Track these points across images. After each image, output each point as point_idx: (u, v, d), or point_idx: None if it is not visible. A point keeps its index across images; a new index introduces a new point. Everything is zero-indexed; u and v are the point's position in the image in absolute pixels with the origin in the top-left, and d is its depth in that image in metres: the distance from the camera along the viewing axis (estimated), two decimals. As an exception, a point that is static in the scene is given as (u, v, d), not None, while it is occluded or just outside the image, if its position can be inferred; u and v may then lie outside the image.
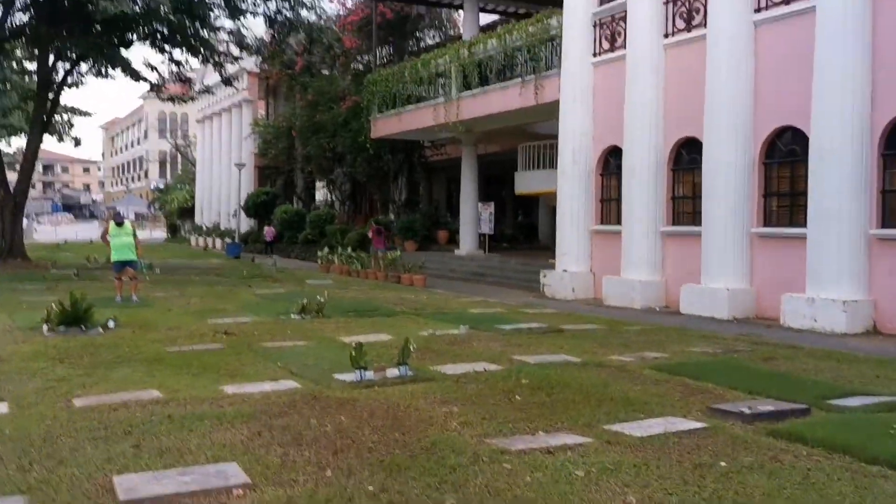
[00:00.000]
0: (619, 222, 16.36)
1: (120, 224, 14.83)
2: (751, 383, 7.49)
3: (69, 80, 26.58)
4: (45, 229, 69.53)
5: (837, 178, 11.93)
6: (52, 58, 25.17)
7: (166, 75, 27.85)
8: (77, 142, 47.48)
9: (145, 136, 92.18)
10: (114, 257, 14.78)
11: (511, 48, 19.92)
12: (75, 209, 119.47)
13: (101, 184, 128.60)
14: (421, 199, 39.51)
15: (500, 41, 20.34)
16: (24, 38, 25.07)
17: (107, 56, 23.67)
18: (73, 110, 45.20)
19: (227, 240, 36.63)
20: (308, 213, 34.18)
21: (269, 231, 35.08)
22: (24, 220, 67.33)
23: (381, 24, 28.48)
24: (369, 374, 7.52)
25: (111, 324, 10.87)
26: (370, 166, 29.99)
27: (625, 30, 16.25)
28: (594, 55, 17.17)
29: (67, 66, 25.99)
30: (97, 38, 24.16)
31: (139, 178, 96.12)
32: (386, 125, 26.09)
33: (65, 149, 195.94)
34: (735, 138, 13.68)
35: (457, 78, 22.22)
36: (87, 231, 62.32)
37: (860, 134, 11.83)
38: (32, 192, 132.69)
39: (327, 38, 26.38)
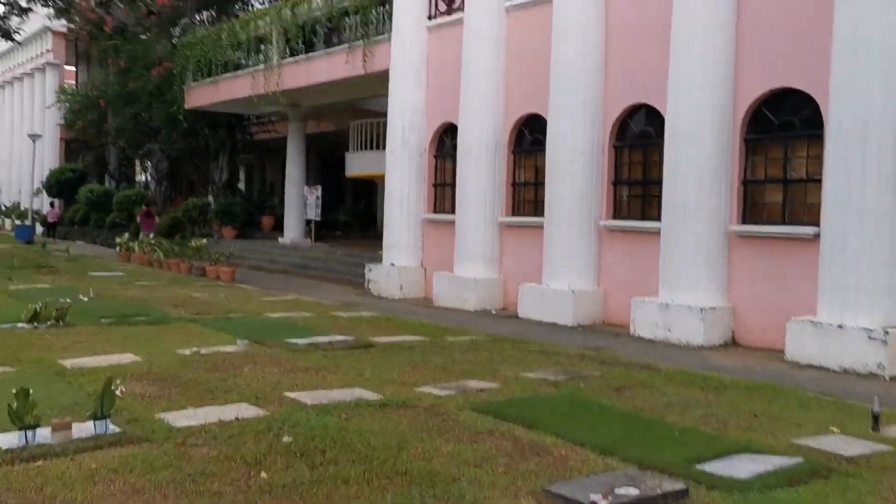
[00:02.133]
0: (454, 211, 14.28)
1: None
2: (602, 434, 5.48)
3: None
4: None
5: (694, 166, 10.29)
6: None
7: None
8: None
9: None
10: None
11: (338, 9, 17.40)
12: None
13: None
14: (250, 182, 36.36)
15: (326, 0, 17.77)
16: None
17: None
18: None
19: (18, 222, 31.97)
20: (117, 193, 30.21)
21: (51, 212, 30.89)
22: None
23: (199, -19, 25.15)
24: (44, 435, 4.91)
25: None
26: (186, 142, 26.59)
27: (463, -10, 14.15)
28: (429, 18, 14.98)
29: None
30: None
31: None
32: (201, 95, 22.91)
33: None
34: (583, 116, 11.84)
35: (278, 42, 19.46)
36: None
37: (720, 115, 10.23)
38: None
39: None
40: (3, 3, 22.88)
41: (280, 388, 6.58)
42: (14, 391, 4.87)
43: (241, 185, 36.85)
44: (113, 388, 5.17)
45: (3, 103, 43.90)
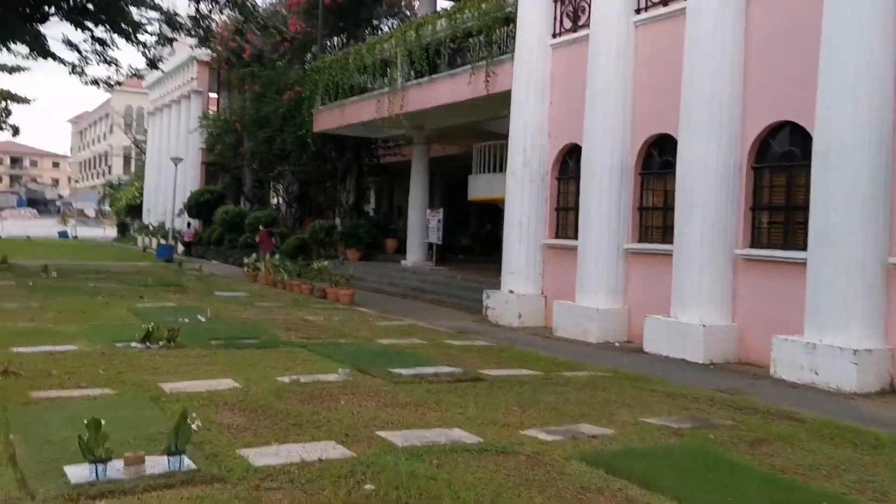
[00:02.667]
0: (576, 236, 13.55)
1: None
2: (733, 500, 4.67)
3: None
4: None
5: (847, 189, 9.17)
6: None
7: (90, 55, 24.88)
8: (15, 131, 44.17)
9: (111, 131, 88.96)
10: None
11: (462, 30, 17.10)
12: (40, 204, 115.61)
13: (70, 179, 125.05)
14: (378, 204, 36.69)
15: (450, 21, 17.52)
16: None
17: (7, 29, 20.54)
18: (10, 96, 42.04)
19: (163, 241, 33.49)
20: (249, 214, 31.16)
21: (188, 232, 32.18)
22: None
23: (330, 7, 25.57)
24: (117, 468, 4.62)
25: None
26: (315, 165, 27.05)
27: (589, 5, 13.49)
28: (553, 36, 14.40)
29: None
30: (2, 7, 21.10)
31: (105, 174, 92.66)
32: (328, 118, 23.19)
33: (34, 141, 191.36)
34: (718, 136, 10.89)
35: (403, 65, 19.37)
36: (39, 228, 58.95)
37: (878, 133, 9.08)
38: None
39: (262, 18, 23.44)
40: (150, 34, 23.99)
41: (373, 424, 6.11)
42: (86, 421, 4.60)
43: (371, 208, 37.39)
44: (189, 421, 4.83)
45: (153, 129, 46.57)
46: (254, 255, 23.09)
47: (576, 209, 13.72)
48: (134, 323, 11.66)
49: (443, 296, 18.40)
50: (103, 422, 4.60)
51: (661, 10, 12.26)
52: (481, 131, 21.02)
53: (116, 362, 8.33)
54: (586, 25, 13.56)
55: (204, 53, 34.72)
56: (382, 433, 5.85)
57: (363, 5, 26.80)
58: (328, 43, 26.63)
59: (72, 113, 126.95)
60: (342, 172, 27.15)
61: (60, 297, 15.06)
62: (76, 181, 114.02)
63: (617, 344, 12.33)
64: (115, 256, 31.81)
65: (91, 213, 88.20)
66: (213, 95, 39.86)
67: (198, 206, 35.60)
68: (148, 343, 9.31)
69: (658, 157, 12.58)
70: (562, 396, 7.64)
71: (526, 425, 6.37)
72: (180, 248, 36.14)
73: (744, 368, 10.38)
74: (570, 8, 14.11)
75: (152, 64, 24.12)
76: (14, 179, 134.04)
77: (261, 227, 26.08)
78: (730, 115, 10.87)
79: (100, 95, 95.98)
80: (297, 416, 6.30)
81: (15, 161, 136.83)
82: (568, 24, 14.13)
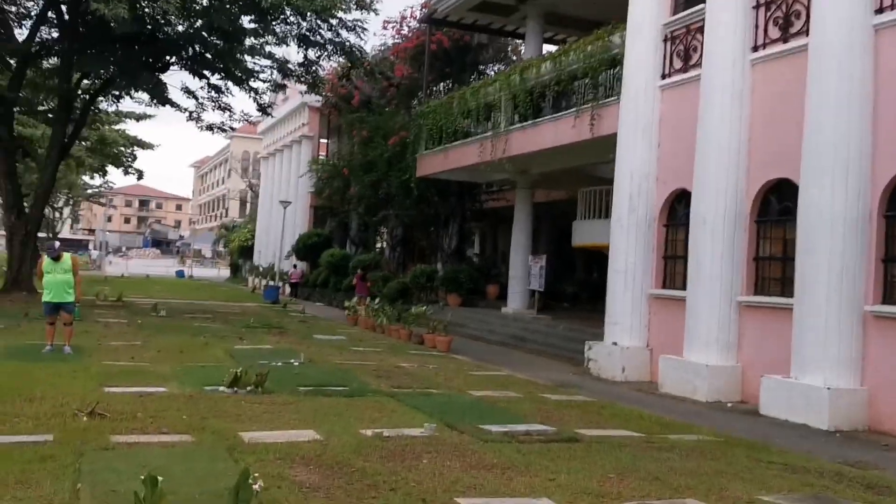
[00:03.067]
0: (684, 287, 12.75)
1: (56, 259, 12.11)
2: None
3: (101, 102, 24.75)
4: (120, 263, 69.49)
5: None
6: (76, 77, 23.40)
7: (206, 102, 25.88)
8: (140, 174, 46.54)
9: (228, 175, 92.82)
10: (45, 297, 12.08)
11: (567, 73, 16.69)
12: (163, 245, 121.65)
13: (190, 221, 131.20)
14: (483, 250, 36.42)
15: (554, 64, 17.15)
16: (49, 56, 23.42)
17: (130, 77, 21.56)
18: (137, 142, 44.37)
19: (271, 282, 34.18)
20: (353, 258, 31.44)
21: (293, 273, 32.72)
22: (94, 252, 66.88)
23: (436, 54, 25.72)
24: (173, 530, 4.31)
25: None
26: (418, 210, 27.03)
27: (702, 44, 12.85)
28: (662, 77, 13.80)
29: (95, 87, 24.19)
30: (126, 58, 22.22)
31: (222, 216, 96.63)
32: (431, 163, 23.13)
33: (160, 185, 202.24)
34: (844, 180, 10.00)
35: (506, 109, 19.10)
36: (159, 267, 61.62)
37: None
38: (126, 226, 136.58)
39: (369, 64, 23.76)
40: (263, 81, 24.73)
41: (454, 489, 5.62)
42: (143, 477, 4.32)
43: (475, 253, 37.15)
44: (251, 481, 4.48)
45: (266, 173, 48.11)
46: (354, 299, 23.12)
47: (684, 258, 12.94)
48: (229, 365, 11.60)
49: (543, 345, 17.78)
50: (161, 479, 4.31)
51: (780, 47, 11.50)
52: (586, 176, 20.45)
53: (202, 407, 8.17)
54: (698, 65, 12.92)
55: (314, 100, 35.68)
56: (462, 500, 5.36)
57: (469, 51, 26.87)
58: (434, 88, 26.74)
59: (195, 158, 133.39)
60: (445, 217, 27.02)
61: (164, 335, 15.31)
62: (196, 223, 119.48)
63: (729, 404, 11.40)
64: (225, 296, 32.63)
65: (208, 253, 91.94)
66: (324, 141, 40.87)
67: (305, 249, 36.27)
68: (236, 388, 9.15)
69: (777, 204, 11.71)
70: (665, 464, 6.94)
71: (624, 497, 5.75)
72: (287, 289, 36.86)
73: (875, 438, 9.32)
74: (681, 47, 13.50)
75: (263, 110, 24.83)
76: (141, 220, 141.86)
77: (358, 271, 26.34)
78: (858, 157, 9.99)
79: (220, 141, 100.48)
80: (374, 475, 5.89)
81: (143, 203, 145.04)
82: (678, 63, 13.52)
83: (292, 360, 12.23)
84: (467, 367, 13.74)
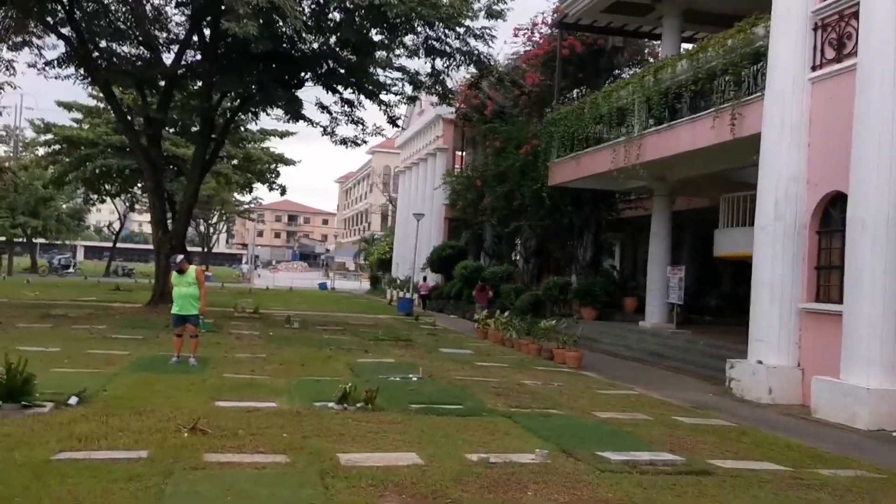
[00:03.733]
0: (840, 300, 11.43)
1: (181, 272, 12.34)
2: None
3: (240, 117, 25.63)
4: (268, 276, 72.51)
5: None
6: (216, 97, 24.31)
7: (340, 116, 26.29)
8: (283, 190, 48.17)
9: (370, 190, 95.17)
10: (172, 309, 12.32)
11: (705, 70, 15.57)
12: (310, 258, 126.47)
13: (335, 235, 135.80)
14: (622, 261, 35.13)
15: (691, 62, 16.05)
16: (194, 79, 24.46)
17: (265, 94, 22.14)
18: (281, 159, 45.98)
19: (406, 294, 34.33)
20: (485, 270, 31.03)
21: (423, 285, 32.67)
22: (244, 266, 70.02)
23: (569, 59, 24.95)
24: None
25: (73, 401, 8.10)
26: (551, 220, 26.28)
27: (857, 30, 11.54)
28: (812, 69, 12.52)
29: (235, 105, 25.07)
30: (263, 76, 22.86)
31: (364, 230, 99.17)
32: (563, 171, 22.38)
33: (308, 200, 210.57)
34: None
35: (640, 112, 18.12)
36: (305, 280, 63.74)
37: None
38: (276, 241, 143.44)
39: (497, 72, 23.29)
40: (394, 93, 24.81)
41: (558, 531, 4.98)
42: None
43: (613, 265, 35.92)
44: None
45: (403, 186, 48.69)
46: (483, 312, 22.64)
47: (840, 269, 11.62)
48: (347, 379, 11.33)
49: (681, 362, 16.64)
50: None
51: (952, 27, 10.10)
52: (729, 181, 19.10)
53: (306, 425, 7.88)
54: (853, 54, 11.60)
55: (449, 112, 35.69)
56: (564, 545, 4.71)
57: (603, 54, 25.93)
58: (567, 95, 25.96)
59: (340, 174, 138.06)
60: (579, 227, 26.12)
61: (291, 348, 15.40)
62: (340, 237, 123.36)
63: (895, 433, 10.05)
64: (361, 308, 33.02)
65: (351, 266, 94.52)
66: (459, 153, 40.83)
67: (440, 261, 36.24)
68: (345, 404, 8.84)
69: (949, 206, 10.27)
70: (814, 507, 5.99)
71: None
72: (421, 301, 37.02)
73: None
74: (834, 36, 12.19)
75: (393, 122, 24.90)
76: (290, 235, 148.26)
77: (479, 283, 26.33)
78: None
79: (363, 157, 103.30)
80: (470, 508, 5.33)
81: (291, 218, 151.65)
82: (830, 53, 12.22)
83: (411, 375, 11.86)
84: (596, 386, 12.92)
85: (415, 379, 11.68)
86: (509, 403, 10.01)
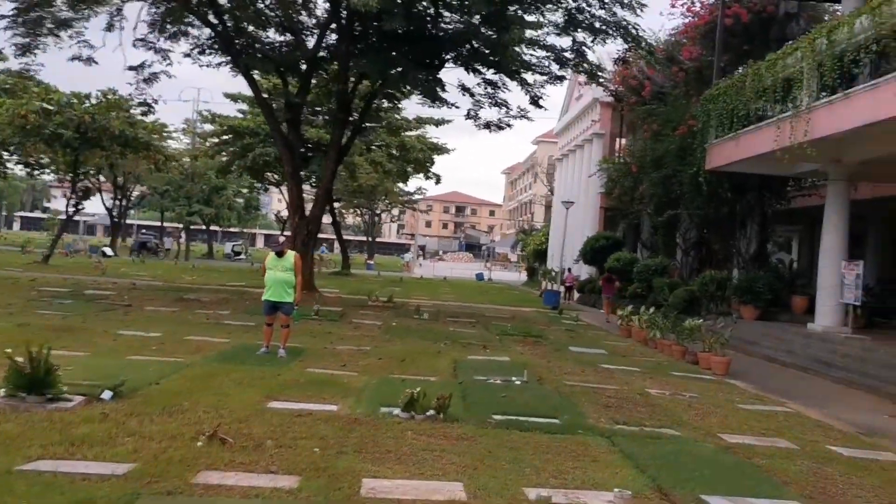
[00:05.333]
0: None
1: (279, 254, 11.53)
2: None
3: (380, 102, 25.03)
4: (429, 265, 72.91)
5: None
6: (353, 80, 23.79)
7: (482, 98, 25.13)
8: (437, 179, 47.71)
9: (535, 180, 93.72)
10: (264, 295, 11.52)
11: (890, 25, 12.99)
12: (476, 248, 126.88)
13: (501, 226, 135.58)
14: (799, 256, 31.73)
15: (873, 17, 13.47)
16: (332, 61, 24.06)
17: (401, 75, 21.27)
18: (435, 147, 45.50)
19: (553, 286, 32.71)
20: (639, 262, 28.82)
21: (568, 276, 30.93)
22: (407, 255, 70.94)
23: (732, 30, 22.37)
24: None
25: (106, 395, 7.36)
26: (711, 208, 23.81)
27: None
28: None
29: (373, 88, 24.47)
30: (401, 57, 22.05)
31: (529, 221, 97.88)
32: (721, 153, 19.98)
33: (478, 192, 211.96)
34: None
35: (809, 81, 15.61)
36: (465, 270, 63.33)
37: None
38: (444, 231, 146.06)
39: (648, 44, 21.14)
40: (540, 73, 23.29)
41: None
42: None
43: (792, 259, 32.56)
44: None
45: (559, 175, 46.88)
46: (629, 308, 20.68)
47: None
48: (443, 379, 10.22)
49: (855, 374, 14.13)
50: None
51: None
52: (922, 162, 16.19)
53: (353, 435, 6.72)
54: None
55: (605, 94, 33.57)
56: None
57: (773, 23, 23.05)
58: (731, 70, 23.37)
59: (507, 164, 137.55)
60: (742, 217, 23.47)
61: (403, 340, 14.43)
62: (505, 228, 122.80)
63: None
64: (508, 300, 31.75)
65: (514, 257, 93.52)
66: (620, 140, 38.54)
67: (593, 252, 34.26)
68: (412, 412, 7.59)
69: None
70: None
71: None
72: (576, 294, 35.25)
73: None
74: None
75: (535, 102, 23.36)
76: (457, 226, 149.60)
77: (605, 272, 24.71)
78: None
79: (529, 147, 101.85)
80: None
81: (459, 209, 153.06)
82: None
83: (514, 378, 10.45)
84: (740, 398, 10.93)
85: (517, 382, 10.26)
86: (617, 419, 8.37)
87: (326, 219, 42.17)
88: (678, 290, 23.80)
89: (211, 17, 22.05)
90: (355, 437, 6.69)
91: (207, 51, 23.50)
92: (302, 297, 12.12)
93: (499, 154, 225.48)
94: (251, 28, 23.16)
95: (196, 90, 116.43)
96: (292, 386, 8.80)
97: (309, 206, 23.98)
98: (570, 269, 34.71)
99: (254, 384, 8.70)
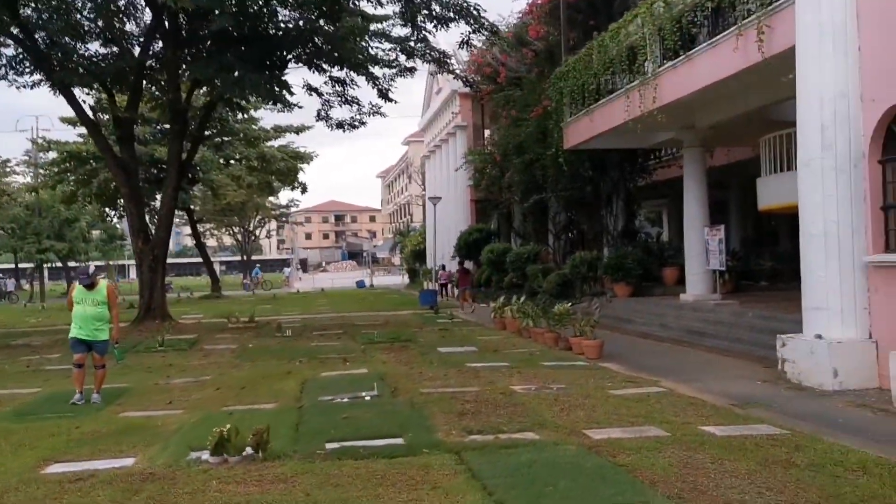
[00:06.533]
0: (920, 248, 8.52)
1: (90, 287, 9.89)
2: None
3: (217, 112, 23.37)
4: (309, 278, 70.86)
5: None
6: (186, 89, 22.08)
7: (332, 98, 23.91)
8: (303, 188, 46.05)
9: (410, 181, 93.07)
10: (71, 332, 9.88)
11: (723, -19, 12.64)
12: (359, 256, 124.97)
13: (382, 230, 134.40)
14: (670, 229, 32.05)
15: (706, -24, 13.12)
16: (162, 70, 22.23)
17: (238, 80, 19.71)
18: (297, 155, 43.86)
19: (428, 285, 31.83)
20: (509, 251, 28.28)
21: (442, 274, 30.26)
22: (286, 269, 68.86)
23: (576, 6, 22.02)
24: None
25: None
26: (575, 188, 23.44)
27: None
28: (855, -52, 9.57)
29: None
30: (236, 60, 20.48)
31: (409, 223, 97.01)
32: (577, 131, 19.53)
33: (356, 199, 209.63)
34: None
35: (652, 47, 15.22)
36: (347, 279, 61.64)
37: None
38: (325, 242, 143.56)
39: (490, 25, 20.50)
40: (385, 65, 22.26)
41: None
42: None
43: (659, 232, 32.86)
44: None
45: (428, 172, 46.20)
46: (500, 300, 19.92)
47: (916, 205, 8.70)
48: (286, 403, 9.01)
49: (727, 340, 13.77)
50: None
51: None
52: (769, 121, 16.09)
53: (137, 500, 5.41)
54: (909, -82, 8.64)
55: (464, 86, 32.93)
56: None
57: (615, -2, 22.85)
58: (581, 47, 23.04)
59: (381, 168, 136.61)
60: (607, 195, 23.20)
61: (255, 363, 13.13)
62: (387, 232, 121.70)
63: None
64: (386, 305, 30.58)
65: (396, 260, 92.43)
66: (485, 132, 38.06)
67: (467, 247, 33.57)
68: (225, 454, 6.35)
69: None
70: None
71: None
72: (455, 291, 34.42)
73: None
74: None
75: (384, 96, 22.29)
76: (339, 235, 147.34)
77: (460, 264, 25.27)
78: None
79: (400, 149, 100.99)
80: None
81: (338, 218, 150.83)
82: (878, -75, 9.25)
83: (363, 394, 9.33)
84: (611, 383, 10.19)
85: (367, 398, 9.15)
86: (471, 428, 7.37)
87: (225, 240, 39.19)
88: (551, 275, 23.33)
89: (15, 31, 19.84)
90: (141, 499, 5.40)
91: (20, 69, 21.20)
92: (119, 332, 10.49)
93: (373, 159, 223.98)
94: (67, 41, 21.03)
95: (34, 118, 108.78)
96: (89, 440, 7.37)
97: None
98: (444, 266, 33.88)
99: (37, 444, 7.21)
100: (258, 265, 69.90)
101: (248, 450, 6.40)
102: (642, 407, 8.46)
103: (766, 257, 22.58)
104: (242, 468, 6.12)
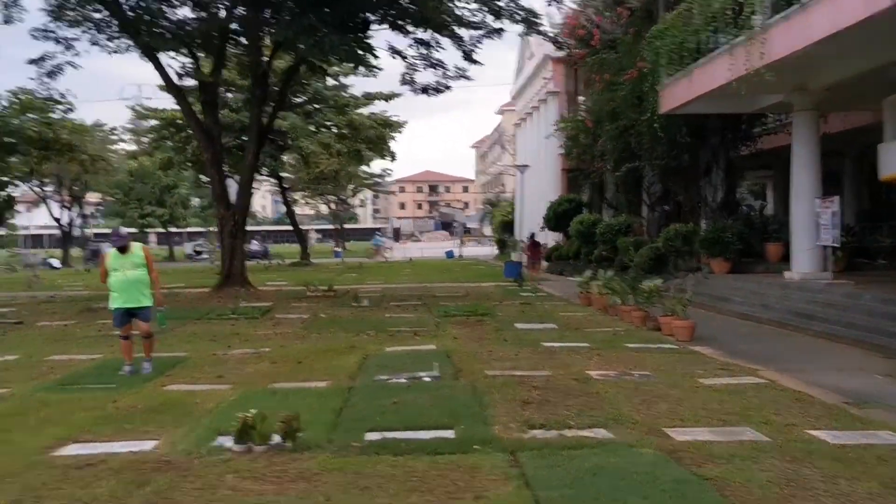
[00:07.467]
0: None
1: (123, 250, 9.25)
2: None
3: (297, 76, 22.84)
4: (400, 247, 70.77)
5: None
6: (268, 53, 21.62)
7: (416, 61, 23.06)
8: (393, 157, 45.57)
9: (503, 151, 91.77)
10: (113, 303, 9.34)
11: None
12: (451, 226, 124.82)
13: (476, 201, 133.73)
14: (776, 203, 30.02)
15: (825, -89, 11.52)
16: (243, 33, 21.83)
17: (319, 42, 19.05)
18: (387, 123, 43.34)
19: (515, 256, 30.80)
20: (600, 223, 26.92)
21: (527, 246, 29.14)
22: (379, 238, 69.29)
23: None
24: None
25: None
26: (671, 157, 21.90)
27: None
28: None
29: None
30: (318, 21, 19.85)
31: (501, 193, 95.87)
32: (674, 93, 18.04)
33: (450, 169, 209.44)
34: None
35: (761, -3, 13.68)
36: (438, 249, 61.12)
37: None
38: (419, 212, 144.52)
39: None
40: (471, 26, 21.26)
41: None
42: None
43: (763, 205, 30.88)
44: None
45: (520, 141, 44.89)
46: (587, 273, 18.76)
47: None
48: (332, 385, 8.25)
49: (839, 325, 12.30)
50: None
51: None
52: (894, 81, 14.33)
53: (141, 493, 4.75)
54: None
55: (556, 49, 31.49)
56: None
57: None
58: (678, 5, 21.38)
59: (476, 138, 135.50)
60: (705, 164, 21.57)
61: (321, 335, 12.50)
62: (480, 203, 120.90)
63: None
64: (471, 276, 29.73)
65: (488, 231, 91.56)
66: (580, 98, 36.53)
67: (556, 218, 32.32)
68: (249, 442, 5.64)
69: None
70: None
71: None
72: (544, 263, 33.30)
73: None
74: None
75: (469, 58, 21.28)
76: (432, 205, 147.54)
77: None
78: None
79: (495, 119, 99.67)
80: None
81: (432, 188, 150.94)
82: None
83: (423, 375, 8.52)
84: (703, 371, 9.06)
85: (427, 379, 8.34)
86: (533, 421, 6.44)
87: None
88: (643, 248, 21.97)
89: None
90: (144, 494, 4.73)
91: (108, 35, 21.20)
92: (161, 297, 9.90)
93: (468, 129, 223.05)
94: (152, 4, 20.87)
95: (137, 86, 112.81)
96: (118, 417, 6.82)
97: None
98: (532, 235, 32.72)
99: (64, 420, 6.70)
100: (378, 232, 69.96)
101: (277, 438, 5.68)
102: (737, 402, 7.34)
103: (885, 233, 20.57)
104: (266, 460, 5.40)
